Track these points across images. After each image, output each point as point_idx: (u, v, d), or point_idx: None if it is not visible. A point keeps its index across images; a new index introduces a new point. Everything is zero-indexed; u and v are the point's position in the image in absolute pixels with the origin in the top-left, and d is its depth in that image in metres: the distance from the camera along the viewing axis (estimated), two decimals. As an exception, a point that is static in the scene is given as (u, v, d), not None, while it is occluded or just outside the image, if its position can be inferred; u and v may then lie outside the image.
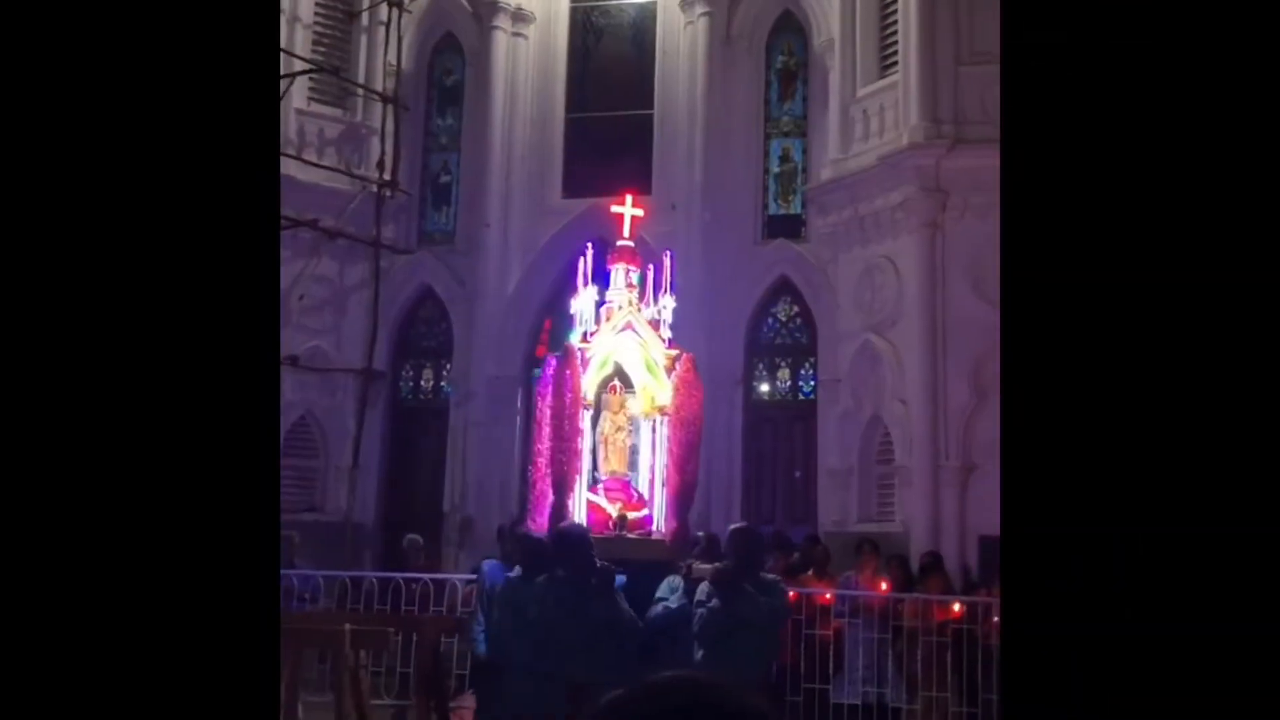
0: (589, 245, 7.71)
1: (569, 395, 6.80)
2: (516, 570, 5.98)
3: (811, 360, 13.02)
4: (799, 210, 13.42)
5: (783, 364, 13.35)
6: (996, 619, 8.23)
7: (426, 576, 9.02)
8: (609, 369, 7.18)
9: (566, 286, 14.48)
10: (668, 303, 7.39)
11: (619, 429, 7.16)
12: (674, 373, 7.06)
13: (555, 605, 5.46)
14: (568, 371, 6.82)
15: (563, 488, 6.66)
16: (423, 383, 14.40)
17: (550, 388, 7.00)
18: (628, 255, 7.43)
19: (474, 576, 7.48)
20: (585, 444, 6.89)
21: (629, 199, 7.91)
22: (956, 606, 8.24)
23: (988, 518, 10.18)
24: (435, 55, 14.86)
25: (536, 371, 14.46)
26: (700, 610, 5.55)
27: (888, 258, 11.53)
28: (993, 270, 10.37)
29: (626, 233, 7.69)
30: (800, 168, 13.53)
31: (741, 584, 5.59)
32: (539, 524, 6.77)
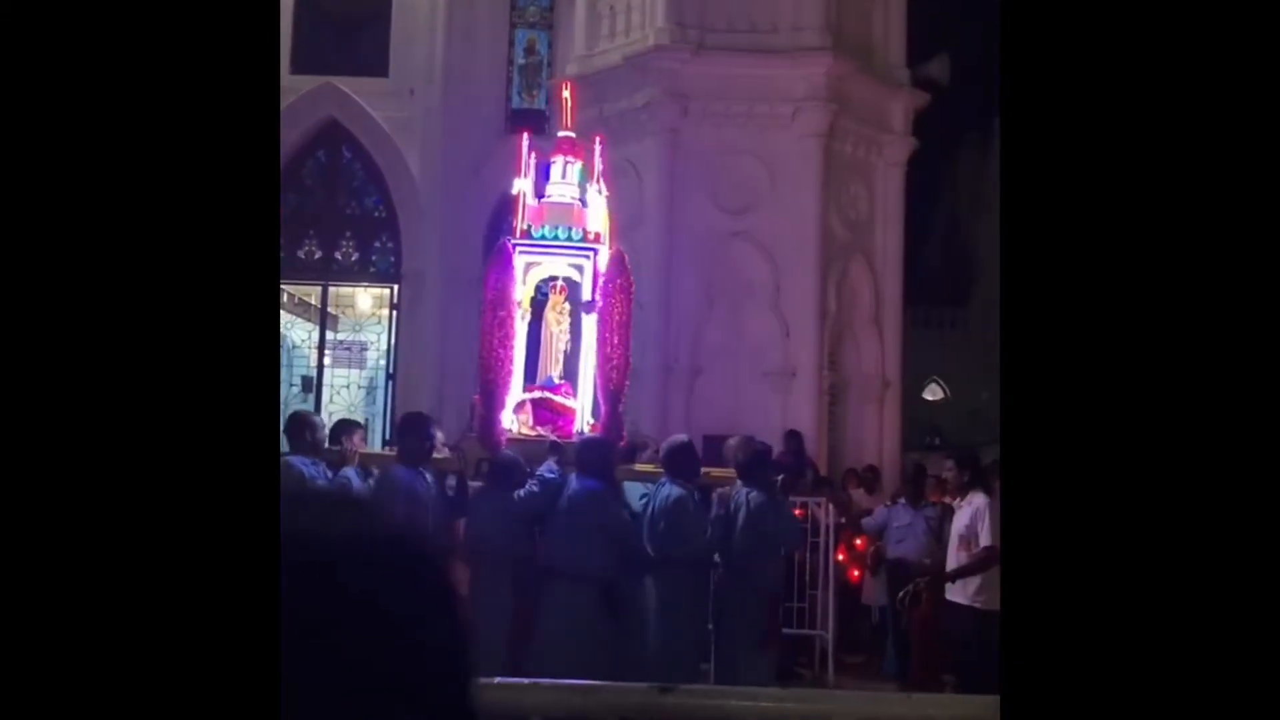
0: (525, 132, 7.34)
1: (625, 293, 6.46)
2: (671, 484, 5.65)
3: (551, 260, 12.98)
4: (543, 105, 13.18)
5: (522, 262, 13.25)
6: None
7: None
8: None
9: (293, 167, 13.59)
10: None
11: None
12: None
13: (784, 519, 6.12)
14: (622, 270, 6.49)
15: (618, 393, 6.39)
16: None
17: (503, 280, 6.57)
18: (572, 147, 7.07)
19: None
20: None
21: (567, 87, 7.51)
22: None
23: (711, 418, 10.66)
24: (144, -102, 13.25)
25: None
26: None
27: (630, 161, 11.58)
28: (727, 177, 10.64)
29: (567, 122, 7.32)
30: (546, 61, 13.25)
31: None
32: (494, 432, 6.36)
